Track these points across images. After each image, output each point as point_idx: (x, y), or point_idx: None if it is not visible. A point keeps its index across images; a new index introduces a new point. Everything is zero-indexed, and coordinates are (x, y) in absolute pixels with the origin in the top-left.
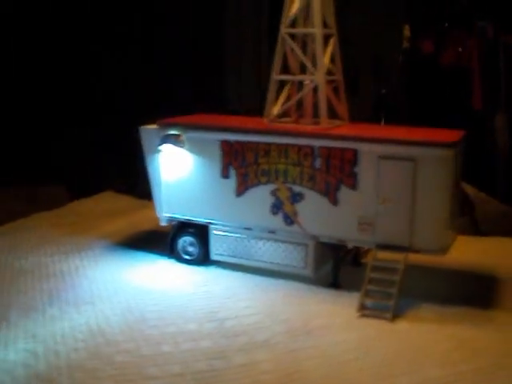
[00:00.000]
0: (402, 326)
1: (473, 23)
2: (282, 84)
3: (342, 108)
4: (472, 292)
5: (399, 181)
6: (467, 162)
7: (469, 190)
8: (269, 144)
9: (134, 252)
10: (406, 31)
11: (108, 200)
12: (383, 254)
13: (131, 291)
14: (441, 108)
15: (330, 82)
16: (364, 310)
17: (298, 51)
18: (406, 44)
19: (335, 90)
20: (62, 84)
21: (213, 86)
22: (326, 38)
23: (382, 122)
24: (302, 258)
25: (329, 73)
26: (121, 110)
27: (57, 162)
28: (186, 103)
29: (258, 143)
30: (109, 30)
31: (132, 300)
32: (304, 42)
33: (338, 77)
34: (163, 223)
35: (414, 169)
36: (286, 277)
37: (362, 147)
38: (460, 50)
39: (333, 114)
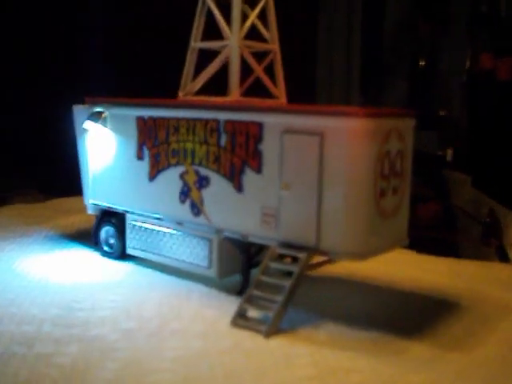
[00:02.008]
0: (269, 343)
1: None
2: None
3: (277, 86)
4: (402, 316)
5: (303, 161)
6: None
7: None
8: (177, 119)
9: (68, 243)
10: (469, 50)
11: None
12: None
13: (14, 272)
14: (503, 128)
15: (267, 54)
16: (239, 319)
17: (217, 13)
18: (467, 63)
19: (271, 63)
20: None
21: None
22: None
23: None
24: (206, 255)
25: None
26: None
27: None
28: None
29: (168, 119)
30: None
31: (7, 281)
32: None
33: (274, 46)
34: (90, 211)
35: (319, 146)
36: (199, 278)
37: (267, 119)
38: None
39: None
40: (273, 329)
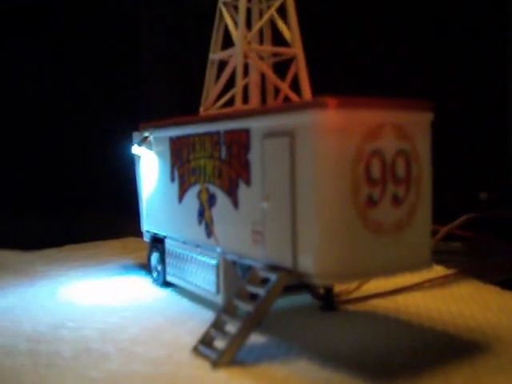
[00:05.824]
0: (211, 375)
1: None
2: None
3: (303, 97)
4: (400, 361)
5: (278, 168)
6: None
7: None
8: (193, 136)
9: (135, 271)
10: None
11: None
12: None
13: (49, 294)
14: None
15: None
16: (201, 346)
17: (229, 22)
18: None
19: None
20: None
21: None
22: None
23: None
24: (214, 280)
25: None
26: None
27: None
28: None
29: (188, 137)
30: None
31: (34, 301)
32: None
33: (297, 50)
34: (145, 238)
35: (290, 148)
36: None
37: (252, 125)
38: None
39: None
40: (224, 359)
